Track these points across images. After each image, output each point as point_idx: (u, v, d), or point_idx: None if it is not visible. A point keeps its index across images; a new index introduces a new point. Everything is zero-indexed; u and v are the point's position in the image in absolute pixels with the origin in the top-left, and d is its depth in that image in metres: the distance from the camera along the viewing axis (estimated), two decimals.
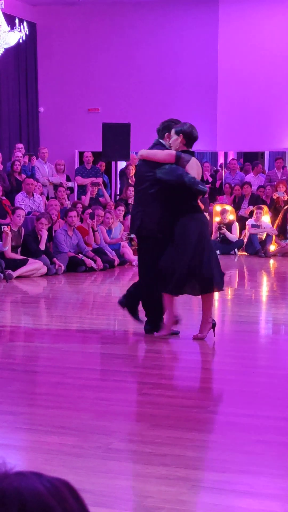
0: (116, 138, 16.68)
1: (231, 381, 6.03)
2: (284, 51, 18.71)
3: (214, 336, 7.54)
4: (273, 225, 16.77)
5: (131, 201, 16.40)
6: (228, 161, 20.09)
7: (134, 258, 14.50)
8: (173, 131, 7.48)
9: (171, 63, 19.40)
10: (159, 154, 7.40)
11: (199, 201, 7.71)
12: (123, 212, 15.28)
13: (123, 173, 17.44)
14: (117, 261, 14.03)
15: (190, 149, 7.51)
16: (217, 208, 17.43)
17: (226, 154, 21.29)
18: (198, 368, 6.38)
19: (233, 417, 4.96)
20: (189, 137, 7.46)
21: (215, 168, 20.95)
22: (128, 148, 16.81)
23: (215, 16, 19.01)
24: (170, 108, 19.31)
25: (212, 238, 17.00)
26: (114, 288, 12.03)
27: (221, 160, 21.69)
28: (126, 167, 17.32)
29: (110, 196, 17.45)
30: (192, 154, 7.48)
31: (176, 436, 4.52)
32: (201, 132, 19.43)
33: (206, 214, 17.27)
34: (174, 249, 7.26)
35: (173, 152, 7.34)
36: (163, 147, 7.55)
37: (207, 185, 18.62)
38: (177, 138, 7.42)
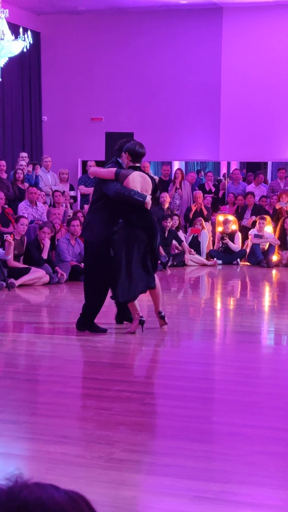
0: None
1: (233, 391, 6.02)
2: (287, 62, 18.73)
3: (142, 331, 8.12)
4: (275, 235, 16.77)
5: None
6: (231, 171, 20.11)
7: None
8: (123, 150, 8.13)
9: (174, 73, 19.43)
10: (102, 172, 8.16)
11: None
12: None
13: None
14: None
15: (138, 164, 8.12)
16: (220, 218, 17.43)
17: (229, 164, 21.32)
18: (200, 378, 6.37)
19: (235, 427, 4.95)
20: (133, 153, 8.05)
21: (218, 178, 20.97)
22: None
23: (219, 26, 19.06)
24: (172, 118, 19.36)
25: (215, 248, 17.02)
26: None
27: (224, 170, 21.72)
28: None
29: None
30: (136, 168, 8.06)
31: (178, 446, 4.51)
32: (204, 142, 19.56)
33: (208, 224, 17.32)
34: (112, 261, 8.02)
35: (112, 169, 7.96)
36: (116, 164, 8.13)
37: (210, 195, 18.67)
38: (124, 156, 8.06)
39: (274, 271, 15.74)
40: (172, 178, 18.37)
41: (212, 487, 3.90)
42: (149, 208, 7.95)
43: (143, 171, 8.37)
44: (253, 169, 21.03)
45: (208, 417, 5.16)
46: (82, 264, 13.28)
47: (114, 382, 6.17)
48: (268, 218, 16.95)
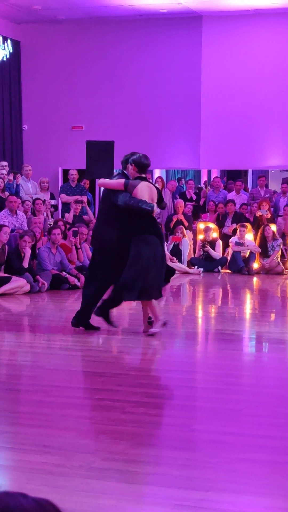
0: (100, 156, 16.70)
1: (214, 399, 6.02)
2: (267, 70, 18.82)
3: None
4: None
5: None
6: (211, 179, 20.16)
7: None
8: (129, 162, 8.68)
9: (154, 81, 19.47)
10: (111, 183, 8.64)
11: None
12: None
13: None
14: None
15: (144, 175, 8.73)
16: (201, 225, 17.47)
17: (209, 172, 21.38)
18: (181, 386, 6.37)
19: (216, 435, 4.95)
20: (139, 165, 8.63)
21: (198, 186, 21.01)
22: (112, 165, 16.83)
23: (199, 34, 19.12)
24: (153, 126, 19.39)
25: (196, 255, 17.05)
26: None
27: (204, 178, 21.77)
28: None
29: (94, 213, 17.45)
30: (143, 179, 8.64)
31: (159, 454, 4.51)
32: (185, 150, 19.59)
33: (189, 232, 17.36)
34: (131, 267, 8.43)
35: (121, 180, 8.52)
36: (123, 176, 8.71)
37: (191, 203, 18.71)
38: (131, 168, 8.63)
39: (255, 279, 15.78)
40: None
41: (193, 495, 3.90)
42: (155, 216, 8.57)
43: (149, 181, 9.01)
44: (233, 177, 21.08)
45: (189, 425, 5.16)
46: (63, 272, 13.31)
47: (95, 391, 6.16)
48: (248, 225, 17.00)
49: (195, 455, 4.57)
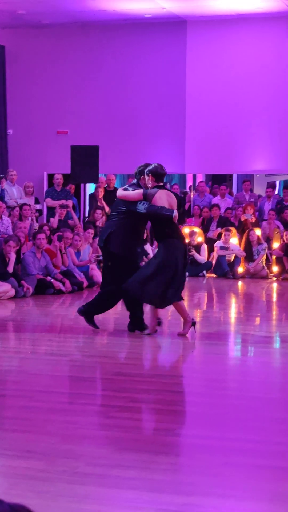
0: (85, 160, 16.72)
1: (198, 403, 6.03)
2: (251, 74, 18.87)
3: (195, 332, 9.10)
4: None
5: (99, 223, 16.42)
6: (196, 184, 20.19)
7: None
8: (145, 173, 9.15)
9: (139, 86, 19.50)
10: (131, 194, 9.10)
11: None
12: (92, 235, 15.29)
13: (92, 195, 17.47)
14: (85, 283, 14.01)
15: (162, 183, 9.18)
16: (186, 230, 17.48)
17: (194, 177, 21.40)
18: (166, 391, 6.37)
19: (200, 439, 4.96)
20: (156, 174, 9.09)
21: (183, 191, 21.03)
22: (97, 170, 16.86)
23: (183, 39, 19.16)
24: (138, 131, 19.42)
25: None
26: None
27: (189, 182, 21.79)
28: (96, 189, 17.34)
29: (79, 218, 17.46)
30: (161, 187, 9.11)
31: (143, 459, 4.51)
32: (170, 155, 19.61)
33: None
34: (154, 270, 8.88)
35: (140, 191, 9.02)
36: (137, 187, 9.21)
37: None
38: (148, 178, 9.09)
39: (240, 283, 15.81)
40: None
41: (176, 499, 3.91)
42: (176, 222, 9.00)
43: (168, 189, 9.51)
44: (218, 181, 21.12)
45: (173, 430, 5.17)
46: (48, 277, 13.29)
47: (79, 396, 6.16)
48: (233, 230, 17.04)
49: (178, 459, 4.58)
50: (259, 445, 4.88)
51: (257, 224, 17.78)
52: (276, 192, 21.11)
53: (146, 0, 17.40)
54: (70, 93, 19.84)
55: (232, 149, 19.05)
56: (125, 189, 9.30)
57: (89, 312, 9.50)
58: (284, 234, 17.06)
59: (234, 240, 16.90)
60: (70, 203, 16.83)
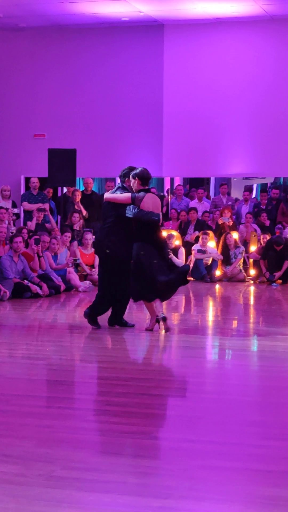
0: (62, 163, 16.69)
1: (175, 406, 6.03)
2: (228, 78, 18.92)
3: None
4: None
5: (76, 226, 16.40)
6: (174, 187, 20.22)
7: (80, 284, 14.48)
8: (130, 176, 9.51)
9: (117, 89, 19.50)
10: (119, 197, 9.47)
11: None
12: (69, 238, 15.27)
13: (68, 198, 17.44)
14: (63, 287, 13.98)
15: (147, 187, 9.52)
16: (164, 233, 17.47)
17: (172, 180, 21.43)
18: (143, 394, 6.37)
19: (176, 442, 4.96)
20: (142, 178, 9.45)
21: (161, 194, 21.04)
22: (74, 173, 16.83)
23: (160, 43, 19.19)
24: (116, 134, 19.41)
25: None
26: (60, 314, 11.98)
27: (167, 186, 21.81)
28: (72, 193, 17.32)
29: (57, 222, 17.42)
30: (147, 191, 9.46)
31: (119, 462, 4.50)
32: (147, 158, 19.61)
33: None
34: (139, 271, 9.36)
35: (128, 195, 9.37)
36: (124, 190, 9.59)
37: None
38: (134, 181, 9.43)
39: (217, 286, 15.83)
40: None
41: (152, 502, 3.90)
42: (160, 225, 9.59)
43: (152, 193, 9.78)
44: (196, 184, 21.16)
45: (149, 433, 5.16)
46: (25, 281, 13.25)
47: (56, 400, 6.14)
48: (211, 233, 17.06)
49: (155, 462, 4.58)
50: (235, 448, 4.88)
51: (234, 227, 17.82)
52: (253, 195, 21.20)
53: (124, 4, 17.41)
54: (48, 97, 19.81)
55: (210, 153, 19.08)
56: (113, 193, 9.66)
57: (91, 315, 9.87)
58: (261, 237, 17.11)
59: (211, 244, 16.92)
60: (47, 206, 16.80)
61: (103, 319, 9.91)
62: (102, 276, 9.81)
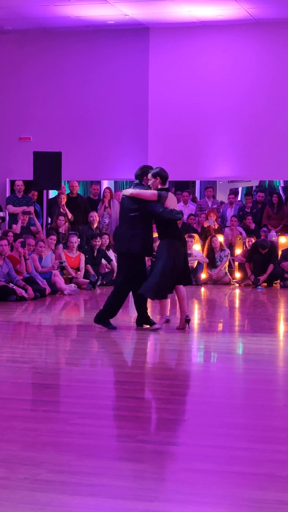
0: (47, 166, 16.69)
1: (160, 409, 6.03)
2: (214, 81, 18.95)
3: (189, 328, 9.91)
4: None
5: (61, 229, 16.38)
6: None
7: (66, 287, 14.46)
8: (150, 175, 9.83)
9: (102, 92, 19.50)
10: (146, 193, 9.72)
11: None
12: (55, 241, 15.25)
13: (54, 201, 17.43)
14: (48, 290, 13.97)
15: (166, 186, 9.94)
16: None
17: None
18: (128, 397, 6.37)
19: (161, 445, 4.96)
20: (163, 177, 9.86)
21: None
22: (60, 176, 16.83)
23: (146, 46, 19.20)
24: (101, 137, 19.41)
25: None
26: (45, 317, 11.96)
27: None
28: (58, 195, 17.30)
29: (42, 225, 17.41)
30: (168, 190, 9.92)
31: (104, 465, 4.50)
32: (133, 161, 19.65)
33: None
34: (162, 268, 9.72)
35: (155, 192, 9.70)
36: (143, 186, 9.86)
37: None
38: (155, 180, 9.79)
39: (202, 289, 15.85)
40: (101, 197, 18.40)
41: (137, 505, 3.90)
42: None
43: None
44: (181, 187, 21.18)
45: (135, 436, 5.16)
46: (11, 284, 13.22)
47: (41, 403, 6.13)
48: (196, 236, 17.08)
49: (140, 465, 4.57)
50: (220, 451, 4.88)
51: (220, 230, 17.85)
52: (239, 198, 21.24)
53: (109, 7, 17.42)
54: (33, 99, 19.78)
55: (195, 156, 19.10)
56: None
57: (105, 317, 9.97)
58: (247, 240, 17.16)
59: (196, 247, 16.94)
60: (31, 209, 16.78)
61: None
62: (124, 272, 9.93)
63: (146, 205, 9.71)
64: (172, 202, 9.85)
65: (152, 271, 9.94)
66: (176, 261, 9.81)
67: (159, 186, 9.83)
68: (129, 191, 9.89)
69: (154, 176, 9.82)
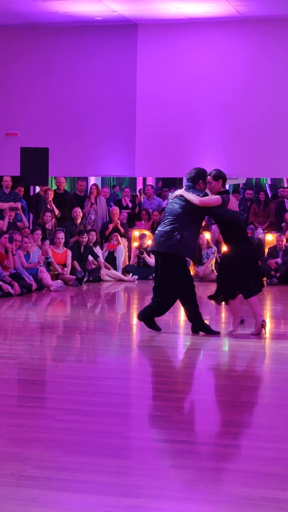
0: (35, 162, 16.66)
1: (146, 406, 6.05)
2: (201, 78, 18.96)
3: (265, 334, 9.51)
4: None
5: (48, 226, 16.37)
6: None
7: (52, 283, 14.45)
8: (209, 178, 9.52)
9: (90, 88, 19.47)
10: (212, 201, 9.33)
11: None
12: (40, 236, 15.25)
13: (38, 197, 17.42)
14: (34, 286, 13.95)
15: (225, 189, 9.77)
16: (136, 233, 17.52)
17: (144, 180, 21.44)
18: (114, 393, 6.38)
19: (147, 442, 4.98)
20: (224, 179, 9.66)
21: (133, 193, 21.06)
22: (47, 172, 16.80)
23: (134, 42, 19.18)
24: (88, 134, 19.38)
25: (131, 263, 17.09)
26: (31, 313, 11.95)
27: (139, 185, 21.82)
28: (45, 192, 17.29)
29: (28, 220, 17.38)
30: (228, 192, 9.77)
31: (90, 462, 4.51)
32: (120, 158, 19.64)
33: (125, 240, 17.41)
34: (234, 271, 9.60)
35: (219, 197, 9.35)
36: (196, 190, 9.45)
37: (126, 211, 18.77)
38: (217, 183, 9.51)
39: None
40: (88, 194, 18.39)
41: (123, 502, 3.91)
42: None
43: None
44: (169, 184, 21.20)
45: (121, 432, 5.17)
46: None
47: (27, 399, 6.13)
48: None
49: (126, 462, 4.59)
50: (205, 448, 4.90)
51: (207, 227, 17.87)
52: None
53: (97, 3, 17.39)
54: (20, 95, 19.73)
55: (182, 153, 19.11)
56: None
57: (149, 316, 9.65)
58: None
59: None
60: (18, 205, 16.76)
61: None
62: (167, 278, 9.54)
63: (209, 210, 9.44)
64: (234, 204, 9.63)
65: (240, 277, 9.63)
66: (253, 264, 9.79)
67: (220, 188, 9.56)
68: (192, 198, 9.31)
69: (215, 178, 9.53)
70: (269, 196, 19.85)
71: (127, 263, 17.19)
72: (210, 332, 9.58)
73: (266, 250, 17.04)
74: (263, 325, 9.50)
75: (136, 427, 5.46)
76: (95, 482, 4.17)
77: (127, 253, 17.29)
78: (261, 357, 8.55)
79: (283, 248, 16.87)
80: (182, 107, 19.02)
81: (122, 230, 17.58)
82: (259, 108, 18.71)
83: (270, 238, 17.66)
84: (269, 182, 23.44)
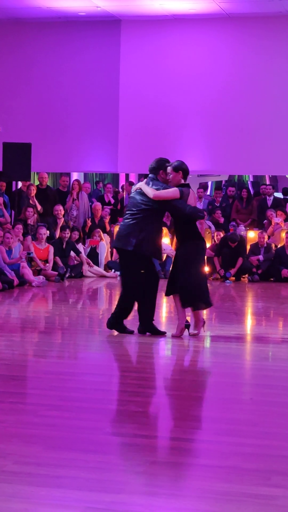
0: (17, 157, 16.61)
1: (128, 402, 6.04)
2: (184, 76, 18.97)
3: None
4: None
5: (30, 221, 16.33)
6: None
7: (34, 279, 14.42)
8: (170, 169, 9.04)
9: (73, 84, 19.44)
10: (168, 193, 8.86)
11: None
12: (21, 231, 15.21)
13: (21, 193, 17.37)
14: (16, 281, 13.91)
15: (186, 182, 9.12)
16: (117, 229, 17.47)
17: (127, 176, 21.42)
18: (96, 389, 6.37)
19: (128, 438, 4.97)
20: (185, 172, 9.08)
21: (116, 190, 21.03)
22: (29, 168, 16.76)
23: (117, 38, 19.17)
24: (71, 129, 19.35)
25: (113, 259, 17.07)
26: (13, 309, 11.92)
27: (122, 182, 21.80)
28: (27, 187, 17.25)
29: (10, 215, 17.33)
30: (189, 186, 9.11)
31: (71, 457, 4.50)
32: (103, 154, 19.62)
33: (107, 236, 17.40)
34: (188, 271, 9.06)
35: (176, 189, 8.89)
36: (158, 182, 9.02)
37: (109, 207, 18.76)
38: (177, 175, 9.02)
39: None
40: (70, 189, 18.36)
41: (104, 497, 3.91)
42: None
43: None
44: None
45: (102, 428, 5.17)
46: None
47: (8, 394, 6.11)
48: (165, 229, 17.08)
49: (106, 457, 4.58)
50: (187, 444, 4.91)
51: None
52: (208, 192, 21.30)
53: None
54: (2, 90, 19.67)
55: (165, 149, 19.07)
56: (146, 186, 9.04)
57: (118, 322, 9.21)
58: (215, 234, 17.20)
59: (165, 240, 16.94)
60: (0, 200, 16.70)
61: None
62: (130, 276, 9.16)
63: (167, 203, 8.91)
64: (193, 199, 9.05)
65: (186, 275, 9.10)
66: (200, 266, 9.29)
67: (179, 181, 9.04)
68: (147, 191, 8.94)
69: (175, 170, 9.01)
70: (251, 193, 19.88)
71: (109, 259, 17.17)
72: (157, 332, 9.25)
73: (248, 247, 17.07)
74: (187, 326, 9.21)
75: (117, 423, 5.46)
76: (76, 478, 4.17)
77: (109, 249, 17.28)
78: (242, 354, 8.57)
79: (265, 245, 16.91)
80: (165, 103, 19.03)
81: (108, 227, 17.62)
82: (242, 105, 18.73)
83: (252, 235, 17.69)
84: (251, 179, 23.47)
